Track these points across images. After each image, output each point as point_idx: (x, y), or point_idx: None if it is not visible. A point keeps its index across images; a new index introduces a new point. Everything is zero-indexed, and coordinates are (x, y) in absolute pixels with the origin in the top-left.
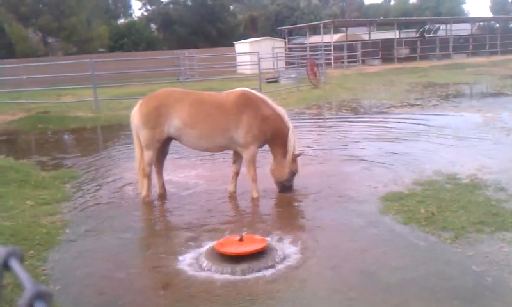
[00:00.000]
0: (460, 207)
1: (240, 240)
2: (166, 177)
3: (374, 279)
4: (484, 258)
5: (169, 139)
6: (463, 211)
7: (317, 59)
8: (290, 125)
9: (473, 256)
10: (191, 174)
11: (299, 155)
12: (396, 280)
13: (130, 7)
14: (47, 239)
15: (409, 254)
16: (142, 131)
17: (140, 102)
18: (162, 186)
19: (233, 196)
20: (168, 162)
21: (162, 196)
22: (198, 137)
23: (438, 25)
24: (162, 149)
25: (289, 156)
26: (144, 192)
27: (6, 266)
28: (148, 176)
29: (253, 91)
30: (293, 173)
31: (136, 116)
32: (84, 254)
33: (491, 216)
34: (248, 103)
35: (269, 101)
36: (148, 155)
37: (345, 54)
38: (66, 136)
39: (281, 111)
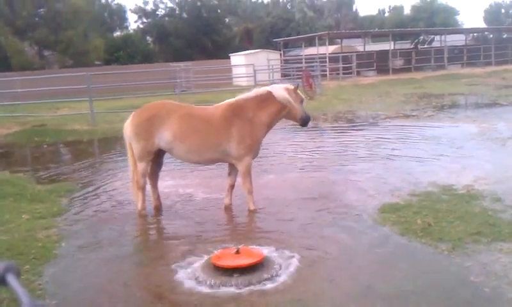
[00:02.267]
0: (457, 218)
1: (237, 252)
2: (160, 188)
3: (372, 290)
4: (481, 268)
5: (162, 151)
6: (459, 222)
7: (312, 70)
8: (268, 88)
9: (471, 267)
10: (186, 184)
11: (295, 87)
12: (394, 291)
13: (126, 20)
14: (42, 253)
15: (407, 265)
16: (134, 142)
17: (133, 113)
18: (158, 198)
19: (229, 209)
20: (163, 172)
21: (158, 208)
22: (187, 151)
23: (432, 36)
24: (156, 161)
25: (291, 100)
26: (139, 205)
27: (3, 281)
28: (143, 188)
29: (237, 98)
30: (302, 102)
31: (128, 128)
32: (80, 268)
33: (487, 227)
34: (235, 114)
35: (246, 96)
36: (142, 166)
37: (340, 65)
38: (62, 149)
39: (253, 94)
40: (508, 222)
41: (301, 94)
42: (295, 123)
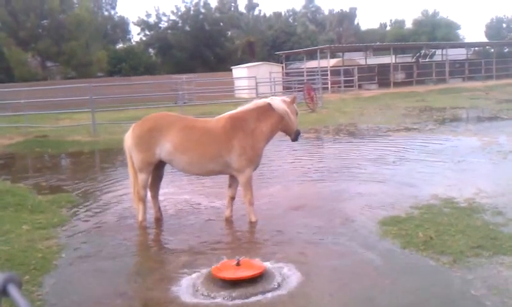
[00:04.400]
0: (458, 231)
1: (238, 264)
2: (161, 197)
3: (373, 304)
4: (483, 282)
5: (163, 163)
6: (461, 235)
7: (313, 83)
8: (267, 100)
9: (472, 281)
10: (187, 195)
11: (293, 99)
12: (395, 305)
13: (128, 32)
14: (42, 264)
15: (408, 278)
16: (135, 154)
17: (133, 125)
18: (158, 210)
19: (229, 221)
20: (164, 181)
21: (159, 220)
22: (188, 163)
23: (433, 50)
24: (156, 173)
25: (289, 113)
26: (140, 217)
27: (4, 291)
28: (143, 200)
29: (237, 110)
30: (297, 114)
31: (128, 139)
32: (80, 279)
33: (489, 240)
34: (236, 126)
35: (246, 108)
36: (142, 178)
37: (342, 78)
38: (63, 160)
39: (253, 106)
40: (510, 235)
41: (296, 107)
42: (287, 136)
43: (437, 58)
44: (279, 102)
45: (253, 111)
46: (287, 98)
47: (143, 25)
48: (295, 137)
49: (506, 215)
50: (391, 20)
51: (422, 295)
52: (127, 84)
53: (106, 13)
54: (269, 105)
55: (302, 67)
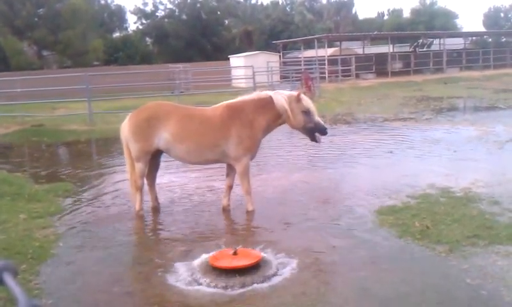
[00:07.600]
0: (454, 220)
1: (235, 253)
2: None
3: (369, 293)
4: (478, 271)
5: (159, 152)
6: (457, 224)
7: (311, 73)
8: (270, 94)
9: (468, 270)
10: (184, 183)
11: (298, 94)
12: (391, 294)
13: (125, 21)
14: (40, 253)
15: (404, 268)
16: (132, 143)
17: (130, 114)
18: (155, 199)
19: (226, 210)
20: (160, 170)
21: (156, 209)
22: (186, 152)
23: (431, 39)
24: (153, 162)
25: (289, 109)
26: (137, 206)
27: (0, 280)
28: (140, 189)
29: (236, 99)
30: (307, 112)
31: (125, 128)
32: (77, 268)
33: (485, 229)
34: (233, 115)
35: (246, 98)
36: (139, 167)
37: (339, 68)
38: (60, 149)
39: (254, 97)
40: (505, 225)
41: (305, 103)
42: (302, 132)
43: (435, 47)
44: (280, 98)
45: (251, 102)
46: (293, 94)
47: (140, 13)
48: (308, 135)
49: (502, 205)
50: (389, 10)
51: (418, 285)
52: (124, 73)
53: (103, 2)
54: (271, 98)
55: (299, 56)
